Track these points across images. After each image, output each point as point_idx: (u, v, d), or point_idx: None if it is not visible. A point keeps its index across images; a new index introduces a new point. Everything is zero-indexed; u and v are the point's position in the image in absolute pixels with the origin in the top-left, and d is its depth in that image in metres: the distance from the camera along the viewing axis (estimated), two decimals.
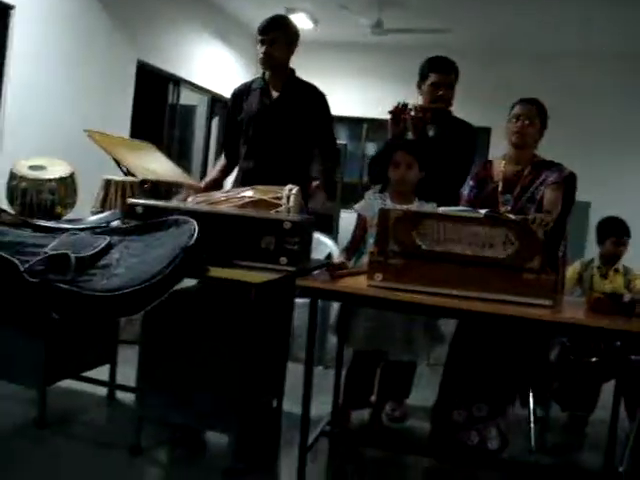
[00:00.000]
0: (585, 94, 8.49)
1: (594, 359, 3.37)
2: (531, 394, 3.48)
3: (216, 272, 2.49)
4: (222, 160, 3.81)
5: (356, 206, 3.27)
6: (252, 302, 2.55)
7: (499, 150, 3.61)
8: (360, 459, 3.13)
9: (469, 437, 3.25)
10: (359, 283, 2.68)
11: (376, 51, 8.83)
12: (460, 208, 2.82)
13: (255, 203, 3.07)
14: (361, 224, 3.24)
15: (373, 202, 3.21)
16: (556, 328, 2.72)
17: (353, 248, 3.19)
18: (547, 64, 8.34)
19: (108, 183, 3.58)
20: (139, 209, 2.74)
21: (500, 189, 3.34)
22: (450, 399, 3.39)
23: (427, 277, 2.54)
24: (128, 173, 4.42)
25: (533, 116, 3.30)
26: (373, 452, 3.20)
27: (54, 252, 2.49)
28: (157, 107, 7.43)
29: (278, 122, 3.49)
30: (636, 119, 8.53)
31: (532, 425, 3.40)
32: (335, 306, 3.28)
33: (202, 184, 3.78)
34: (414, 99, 3.49)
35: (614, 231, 3.88)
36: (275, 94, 3.53)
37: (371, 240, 3.13)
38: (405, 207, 2.95)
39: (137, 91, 6.75)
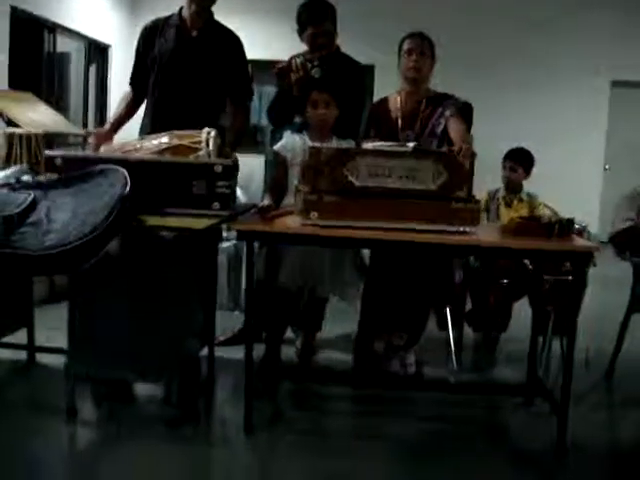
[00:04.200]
0: (470, 26, 8.62)
1: (506, 281, 3.56)
2: (449, 317, 3.66)
3: (153, 221, 2.42)
4: (129, 94, 3.60)
5: (276, 147, 3.26)
6: (185, 249, 2.51)
7: (385, 87, 3.65)
8: (297, 394, 3.19)
9: (391, 365, 3.40)
10: (292, 223, 2.70)
11: None
12: (388, 143, 2.86)
13: (173, 149, 2.99)
14: (282, 164, 3.24)
15: (294, 142, 3.21)
16: (485, 252, 2.90)
17: (277, 189, 3.19)
18: None
19: (11, 137, 3.37)
20: (58, 161, 2.60)
21: (400, 126, 3.42)
22: (370, 330, 3.51)
23: (361, 212, 2.60)
24: (10, 124, 4.17)
25: (425, 49, 3.35)
26: (309, 386, 3.28)
27: None
28: (34, 55, 6.96)
29: (195, 60, 3.38)
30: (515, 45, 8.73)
31: (452, 347, 3.59)
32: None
33: (107, 123, 3.60)
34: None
35: (507, 156, 4.10)
36: (194, 33, 3.42)
37: (295, 180, 3.14)
38: (325, 145, 2.96)
39: (12, 39, 6.29)
